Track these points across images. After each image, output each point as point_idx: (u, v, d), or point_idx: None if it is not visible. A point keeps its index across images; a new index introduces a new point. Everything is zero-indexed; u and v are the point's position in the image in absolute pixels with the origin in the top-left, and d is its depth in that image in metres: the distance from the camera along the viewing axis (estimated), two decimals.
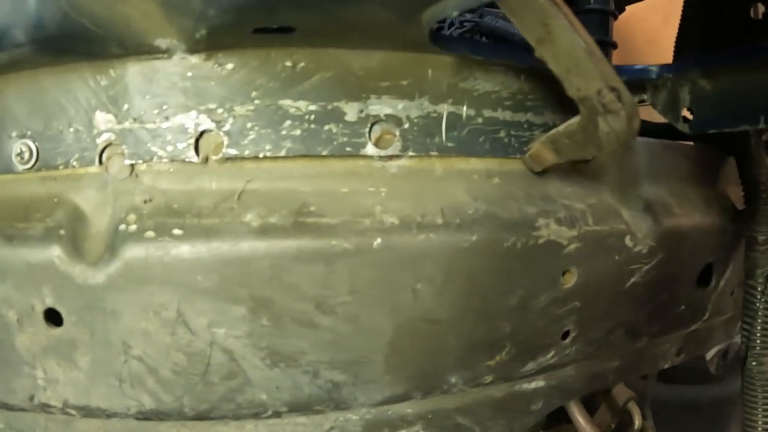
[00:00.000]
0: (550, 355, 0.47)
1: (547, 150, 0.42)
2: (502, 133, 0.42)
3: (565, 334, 0.47)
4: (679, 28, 0.63)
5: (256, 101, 0.37)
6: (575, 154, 0.41)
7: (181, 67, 0.38)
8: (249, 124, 0.37)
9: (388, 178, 0.39)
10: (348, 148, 0.38)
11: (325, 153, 0.37)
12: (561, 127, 0.40)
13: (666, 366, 0.63)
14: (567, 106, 0.45)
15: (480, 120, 0.41)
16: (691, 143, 0.62)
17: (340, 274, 0.36)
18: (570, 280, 0.45)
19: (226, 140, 0.38)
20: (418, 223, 0.38)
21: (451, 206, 0.39)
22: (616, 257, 0.47)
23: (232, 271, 0.36)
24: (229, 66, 0.37)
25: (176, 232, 0.36)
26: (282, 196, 0.37)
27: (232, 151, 0.38)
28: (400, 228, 0.37)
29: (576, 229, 0.43)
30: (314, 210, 0.37)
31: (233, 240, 0.36)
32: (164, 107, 0.38)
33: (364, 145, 0.38)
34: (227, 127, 0.37)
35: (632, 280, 0.49)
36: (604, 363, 0.55)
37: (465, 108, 0.41)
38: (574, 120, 0.38)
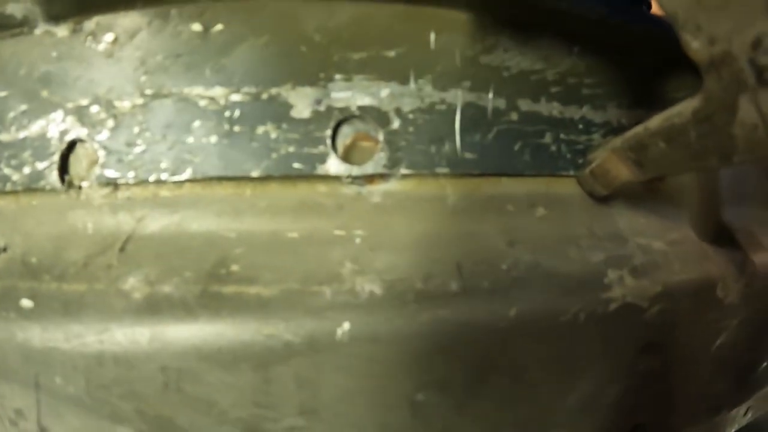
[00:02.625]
0: None
1: (622, 162, 0.26)
2: (548, 137, 0.27)
3: (636, 428, 0.32)
4: None
5: (148, 90, 0.23)
6: (674, 167, 0.25)
7: (45, 45, 0.24)
8: (135, 128, 0.23)
9: (369, 214, 0.23)
10: (297, 164, 0.23)
11: (257, 173, 0.23)
12: (654, 122, 0.24)
13: (733, 431, 0.47)
14: (645, 96, 0.30)
15: (515, 116, 0.26)
16: None
17: (282, 384, 0.21)
18: (649, 359, 0.29)
19: (102, 155, 0.23)
20: (419, 293, 0.22)
21: (476, 259, 0.24)
22: (707, 315, 0.31)
23: (106, 373, 0.22)
24: (108, 37, 0.23)
25: (25, 303, 0.22)
26: (188, 245, 0.22)
27: (110, 173, 0.23)
28: (384, 302, 0.22)
29: (659, 282, 0.28)
30: (238, 270, 0.22)
31: (102, 322, 0.21)
32: (21, 108, 0.24)
33: (324, 158, 0.23)
34: (104, 133, 0.23)
35: (717, 342, 0.33)
36: None
37: (491, 96, 0.25)
38: (685, 107, 0.22)
